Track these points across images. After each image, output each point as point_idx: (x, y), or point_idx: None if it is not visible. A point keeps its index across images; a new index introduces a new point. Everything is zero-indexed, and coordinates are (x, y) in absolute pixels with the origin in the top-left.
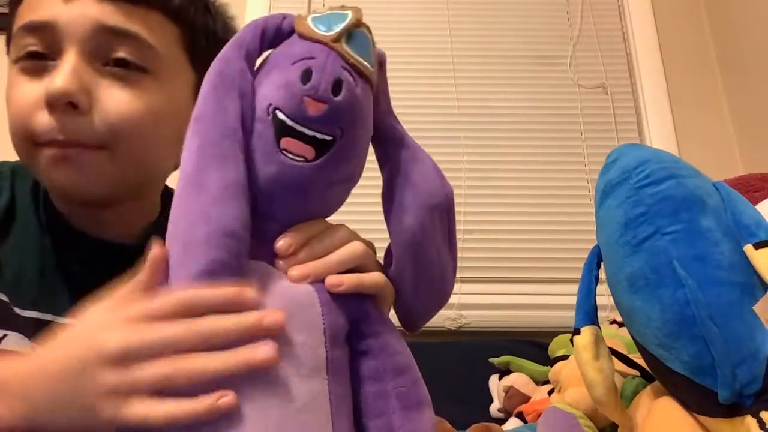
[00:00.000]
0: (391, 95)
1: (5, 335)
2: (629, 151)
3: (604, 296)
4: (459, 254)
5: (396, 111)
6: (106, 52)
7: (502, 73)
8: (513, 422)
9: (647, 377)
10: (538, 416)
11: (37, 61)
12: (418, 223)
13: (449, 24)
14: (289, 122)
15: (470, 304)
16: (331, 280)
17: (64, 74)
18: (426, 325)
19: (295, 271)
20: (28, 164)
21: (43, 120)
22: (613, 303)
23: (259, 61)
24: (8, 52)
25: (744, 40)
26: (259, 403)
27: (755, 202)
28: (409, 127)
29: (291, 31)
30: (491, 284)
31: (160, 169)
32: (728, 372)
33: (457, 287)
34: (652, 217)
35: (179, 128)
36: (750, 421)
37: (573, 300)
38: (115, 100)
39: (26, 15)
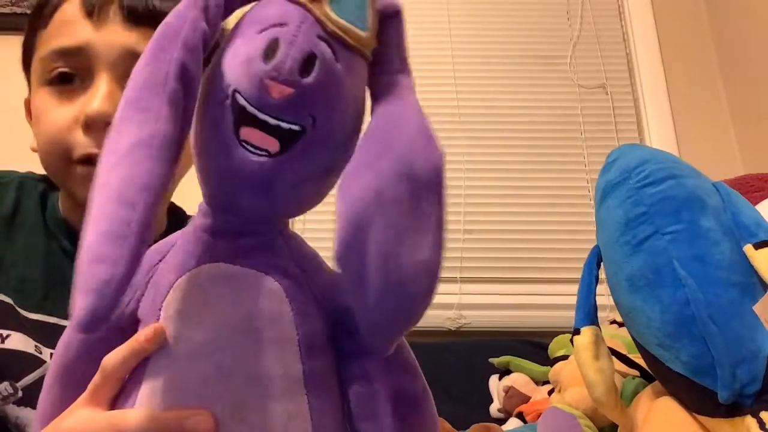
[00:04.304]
0: None
1: (9, 335)
2: (629, 151)
3: (604, 296)
4: (459, 254)
5: None
6: None
7: (502, 74)
8: (513, 422)
9: (647, 377)
10: (538, 416)
11: (67, 85)
12: (374, 188)
13: (449, 24)
14: (250, 108)
15: (470, 304)
16: None
17: (101, 97)
18: (426, 325)
19: None
20: (61, 179)
21: (80, 139)
22: (613, 303)
23: (234, 18)
24: (25, 70)
25: (744, 41)
26: None
27: (755, 202)
28: None
29: None
30: (491, 284)
31: None
32: (728, 372)
33: (456, 287)
34: (652, 217)
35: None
36: (750, 421)
37: (573, 300)
38: None
39: (56, 40)
